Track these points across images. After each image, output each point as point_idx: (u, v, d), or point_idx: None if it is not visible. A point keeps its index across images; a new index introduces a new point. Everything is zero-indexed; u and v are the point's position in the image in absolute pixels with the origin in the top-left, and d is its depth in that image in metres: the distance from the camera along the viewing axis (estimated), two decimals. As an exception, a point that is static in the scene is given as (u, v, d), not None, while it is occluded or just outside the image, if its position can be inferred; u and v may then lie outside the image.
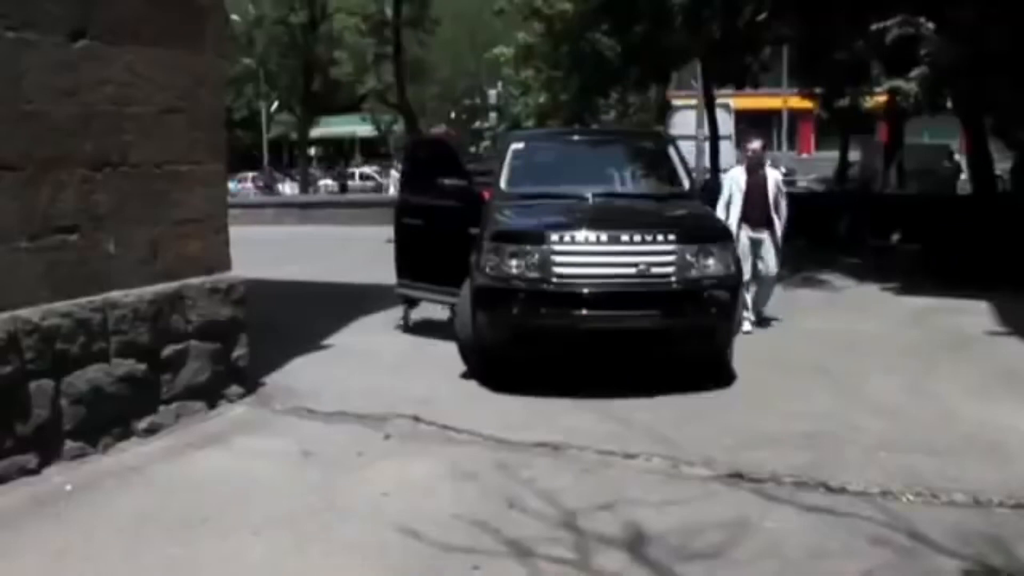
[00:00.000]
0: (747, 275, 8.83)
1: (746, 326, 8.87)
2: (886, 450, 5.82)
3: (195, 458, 5.86)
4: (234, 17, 37.63)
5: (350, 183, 47.15)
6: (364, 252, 14.39)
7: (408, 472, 5.55)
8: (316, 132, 50.58)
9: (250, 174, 48.50)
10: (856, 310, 11.00)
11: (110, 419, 5.89)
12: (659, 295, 7.05)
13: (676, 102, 33.09)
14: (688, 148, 19.78)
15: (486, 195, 8.55)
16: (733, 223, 9.17)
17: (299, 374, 7.73)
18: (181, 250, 6.55)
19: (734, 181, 9.60)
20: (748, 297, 9.10)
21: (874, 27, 13.30)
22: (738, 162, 9.78)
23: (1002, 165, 25.08)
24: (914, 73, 13.86)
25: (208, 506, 5.02)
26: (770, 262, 9.52)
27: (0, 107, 5.27)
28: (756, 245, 9.45)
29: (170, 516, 4.89)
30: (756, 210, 9.41)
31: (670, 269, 7.09)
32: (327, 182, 46.96)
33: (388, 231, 9.84)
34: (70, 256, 5.71)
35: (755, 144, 9.85)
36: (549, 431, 6.21)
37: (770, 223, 9.45)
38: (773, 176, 9.70)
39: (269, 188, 46.41)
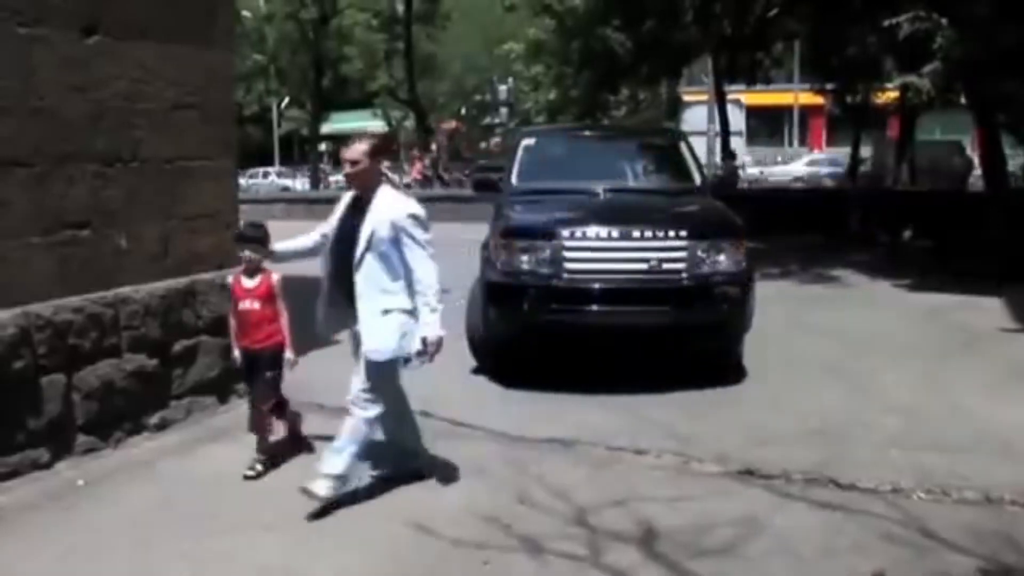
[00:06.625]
0: None
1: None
2: (897, 447, 5.80)
3: (206, 453, 5.89)
4: (245, 13, 37.70)
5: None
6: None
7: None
8: (326, 128, 50.65)
9: (416, 163, 38.13)
10: (867, 306, 10.96)
11: (121, 414, 5.91)
12: (670, 291, 7.03)
13: (687, 98, 33.10)
14: (699, 144, 19.80)
15: None
16: None
17: (310, 369, 7.71)
18: (192, 245, 6.56)
19: None
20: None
21: (886, 23, 13.25)
22: None
23: (1015, 161, 24.99)
24: (926, 69, 13.82)
25: (219, 501, 5.04)
26: None
27: (12, 103, 5.28)
28: None
29: (181, 511, 4.90)
30: None
31: (681, 265, 7.07)
32: (337, 178, 46.77)
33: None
34: (82, 251, 5.72)
35: None
36: (560, 427, 6.21)
37: None
38: None
39: (441, 180, 37.64)
